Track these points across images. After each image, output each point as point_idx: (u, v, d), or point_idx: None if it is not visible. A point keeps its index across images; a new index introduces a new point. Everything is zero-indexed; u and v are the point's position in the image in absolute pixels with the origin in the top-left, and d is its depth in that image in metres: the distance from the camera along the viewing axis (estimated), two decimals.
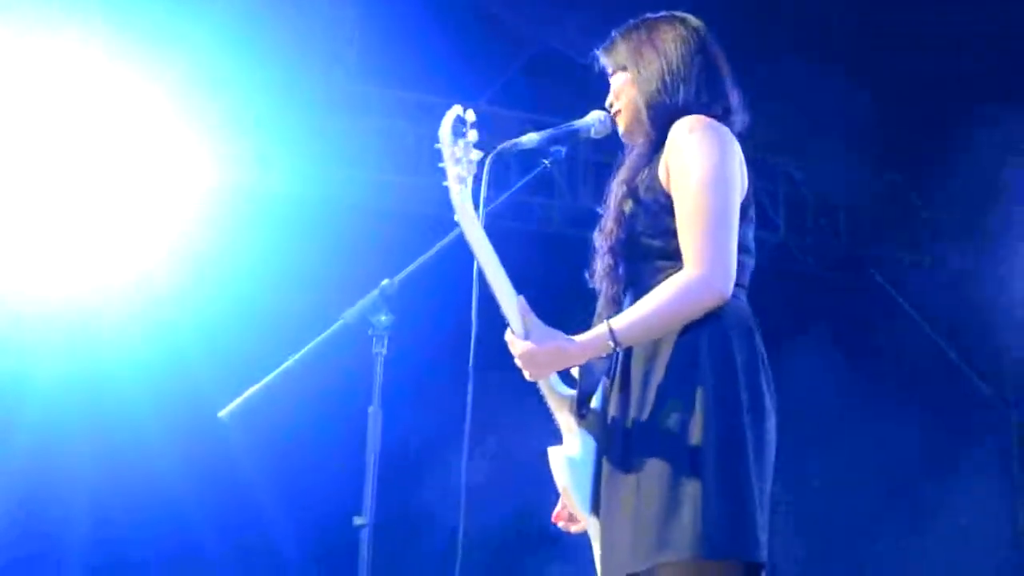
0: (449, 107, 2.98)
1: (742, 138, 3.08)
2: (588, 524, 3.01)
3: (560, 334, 2.92)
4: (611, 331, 2.87)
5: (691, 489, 2.80)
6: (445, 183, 2.95)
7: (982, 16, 7.68)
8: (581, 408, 3.00)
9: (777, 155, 8.82)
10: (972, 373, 9.30)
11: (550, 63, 8.18)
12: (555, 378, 3.00)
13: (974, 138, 8.37)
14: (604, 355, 2.94)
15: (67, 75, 7.04)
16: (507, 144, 3.13)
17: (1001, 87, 7.97)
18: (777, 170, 8.90)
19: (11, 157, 7.03)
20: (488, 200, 3.02)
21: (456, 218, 2.93)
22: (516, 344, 2.91)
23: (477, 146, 2.96)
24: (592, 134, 3.19)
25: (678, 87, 3.07)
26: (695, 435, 2.83)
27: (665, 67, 3.08)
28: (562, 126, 3.15)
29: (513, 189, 3.18)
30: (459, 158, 2.94)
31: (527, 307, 2.91)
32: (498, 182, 3.08)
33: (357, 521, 2.93)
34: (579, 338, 2.91)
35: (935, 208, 9.38)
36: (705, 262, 2.87)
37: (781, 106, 7.70)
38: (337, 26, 7.96)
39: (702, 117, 3.01)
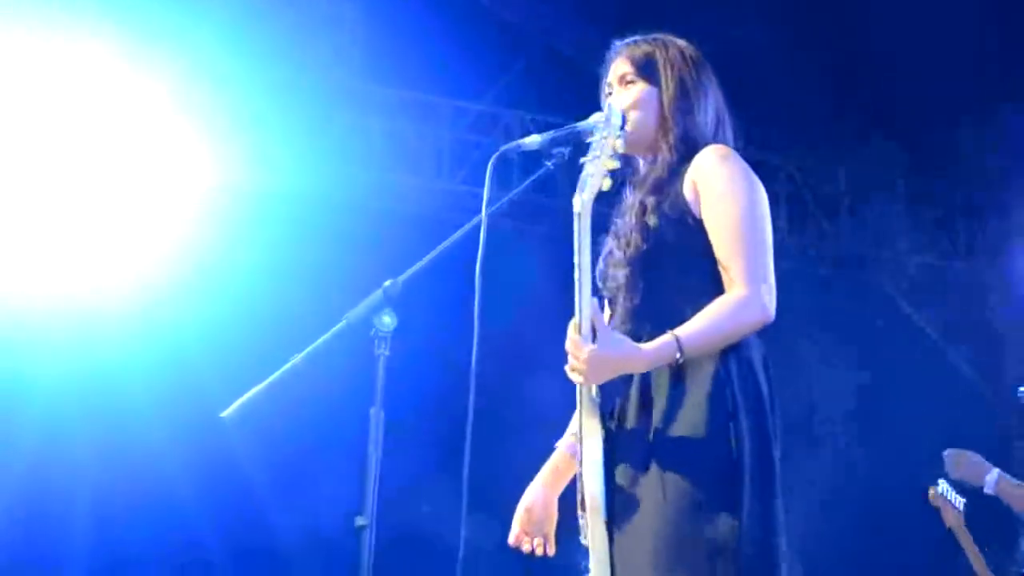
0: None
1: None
2: (593, 533, 3.01)
3: (628, 341, 2.93)
4: (678, 341, 2.89)
5: (726, 514, 2.84)
6: (590, 172, 2.93)
7: (986, 12, 7.69)
8: (606, 420, 3.01)
9: (777, 155, 8.84)
10: (973, 373, 9.29)
11: (552, 63, 8.19)
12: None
13: (976, 138, 8.38)
14: (672, 363, 2.95)
15: (67, 73, 7.05)
16: (510, 145, 3.13)
17: (1006, 87, 7.97)
18: (778, 170, 8.92)
19: (12, 156, 7.03)
20: (492, 201, 3.01)
21: (578, 210, 2.92)
22: (583, 347, 2.88)
23: (482, 146, 2.98)
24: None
25: (704, 111, 3.15)
26: (732, 459, 2.88)
27: (693, 88, 3.15)
28: (564, 128, 3.14)
29: (517, 190, 3.17)
30: (613, 153, 2.96)
31: (599, 311, 2.91)
32: (500, 182, 3.07)
33: (358, 522, 2.93)
34: (645, 347, 2.91)
35: (937, 208, 9.38)
36: (755, 283, 2.95)
37: (781, 106, 7.73)
38: (340, 25, 7.96)
39: (727, 147, 3.10)
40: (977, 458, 5.44)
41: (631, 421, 3.00)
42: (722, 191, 3.00)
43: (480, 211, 2.99)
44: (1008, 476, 5.36)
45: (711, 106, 3.16)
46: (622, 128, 3.00)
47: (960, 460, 5.46)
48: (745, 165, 3.06)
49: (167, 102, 7.27)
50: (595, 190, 2.93)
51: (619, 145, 2.96)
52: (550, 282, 3.25)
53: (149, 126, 7.24)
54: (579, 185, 2.93)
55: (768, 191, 3.09)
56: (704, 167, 3.04)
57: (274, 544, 7.61)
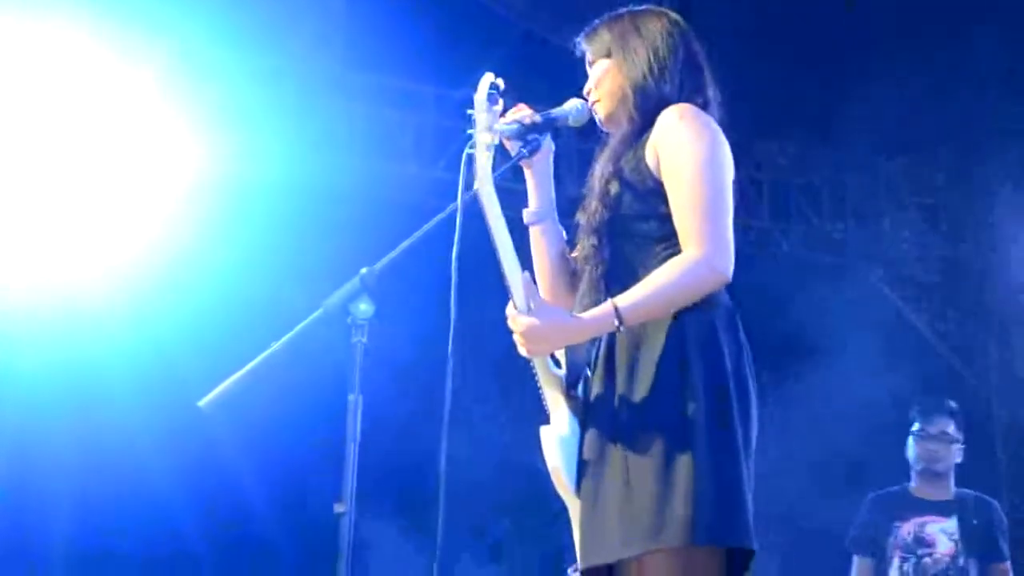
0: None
1: (726, 123, 3.11)
2: (571, 505, 3.02)
3: (563, 311, 2.95)
4: (616, 309, 2.87)
5: (683, 477, 2.81)
6: (469, 150, 2.96)
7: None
8: (569, 389, 3.02)
9: (762, 140, 8.85)
10: (957, 362, 9.31)
11: (534, 49, 8.18)
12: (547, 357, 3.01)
13: (963, 126, 8.41)
14: (605, 333, 2.95)
15: (51, 62, 7.01)
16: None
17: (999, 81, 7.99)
18: (762, 155, 8.93)
19: None
20: (469, 188, 3.02)
21: (476, 186, 2.95)
22: (518, 319, 2.91)
23: (464, 132, 2.99)
24: (570, 122, 3.20)
25: (663, 76, 3.10)
26: (685, 423, 2.85)
27: (651, 55, 3.12)
28: (539, 114, 3.16)
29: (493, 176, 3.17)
30: (490, 126, 2.97)
31: (531, 283, 2.93)
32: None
33: (337, 508, 2.94)
34: (583, 315, 2.92)
35: (922, 196, 9.40)
36: (708, 243, 2.90)
37: (766, 91, 7.73)
38: (323, 12, 7.94)
39: (690, 105, 3.05)
40: None
41: (597, 389, 2.99)
42: (677, 151, 2.97)
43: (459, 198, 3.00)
44: None
45: (674, 69, 3.11)
46: (490, 100, 2.98)
47: None
48: (707, 122, 3.02)
49: (148, 91, 7.25)
50: (483, 167, 2.93)
51: (487, 119, 2.95)
52: (528, 267, 3.25)
53: (130, 115, 7.21)
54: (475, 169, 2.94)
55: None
56: (663, 128, 3.01)
57: (253, 531, 7.61)
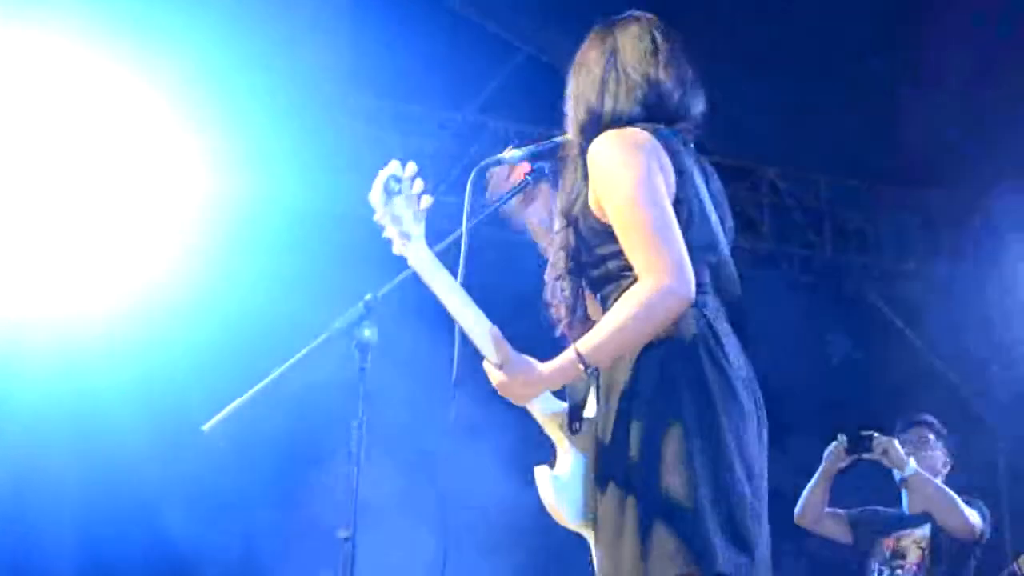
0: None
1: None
2: (586, 534, 3.02)
3: (531, 363, 2.91)
4: (578, 354, 2.85)
5: (632, 510, 2.81)
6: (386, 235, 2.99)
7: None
8: (572, 423, 2.99)
9: (762, 164, 8.86)
10: (958, 383, 9.30)
11: (537, 72, 8.21)
12: (544, 395, 2.98)
13: (960, 147, 8.41)
14: (579, 377, 2.92)
15: (55, 87, 7.01)
16: (489, 160, 3.15)
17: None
18: (762, 179, 8.94)
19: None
20: (476, 210, 3.04)
21: (410, 267, 2.97)
22: (492, 374, 2.92)
23: (467, 155, 3.00)
24: None
25: (594, 107, 3.07)
26: (637, 455, 2.83)
27: (582, 92, 3.10)
28: (544, 142, 3.16)
29: (496, 205, 3.20)
30: (397, 216, 2.99)
31: (500, 337, 2.91)
32: (484, 192, 3.09)
33: (341, 534, 2.94)
34: (548, 365, 2.90)
35: (923, 217, 9.41)
36: (657, 270, 2.84)
37: (766, 115, 7.75)
38: (329, 35, 7.97)
39: (609, 132, 2.99)
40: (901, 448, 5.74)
41: (589, 428, 2.99)
42: (605, 186, 2.93)
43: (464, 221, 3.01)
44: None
45: (607, 93, 3.06)
46: (388, 193, 3.03)
47: (889, 445, 5.68)
48: (620, 142, 2.95)
49: (152, 116, 7.25)
50: (399, 250, 3.00)
51: (387, 212, 3.02)
52: (533, 291, 3.27)
53: (133, 140, 7.21)
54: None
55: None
56: (590, 166, 2.98)
57: (257, 554, 7.59)
